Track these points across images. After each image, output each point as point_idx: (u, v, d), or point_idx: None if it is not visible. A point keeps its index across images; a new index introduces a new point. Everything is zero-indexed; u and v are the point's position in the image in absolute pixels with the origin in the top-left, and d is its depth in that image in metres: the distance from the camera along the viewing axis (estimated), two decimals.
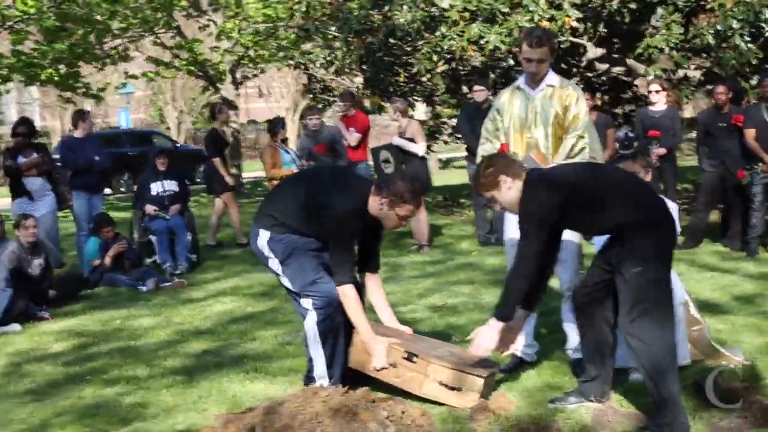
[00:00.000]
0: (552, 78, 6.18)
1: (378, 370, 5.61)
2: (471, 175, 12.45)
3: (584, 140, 6.03)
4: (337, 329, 5.69)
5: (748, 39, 12.21)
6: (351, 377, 5.67)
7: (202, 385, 6.15)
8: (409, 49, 14.81)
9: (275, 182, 11.81)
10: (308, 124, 13.06)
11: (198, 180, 26.46)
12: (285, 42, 21.68)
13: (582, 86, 13.29)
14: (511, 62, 15.18)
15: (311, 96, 17.44)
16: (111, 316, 8.75)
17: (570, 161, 6.02)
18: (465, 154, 13.48)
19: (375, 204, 5.60)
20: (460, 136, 19.29)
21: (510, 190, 5.19)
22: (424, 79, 15.64)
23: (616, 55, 15.42)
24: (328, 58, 16.21)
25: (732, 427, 5.00)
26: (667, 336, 4.91)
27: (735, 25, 12.00)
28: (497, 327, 5.30)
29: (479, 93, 12.49)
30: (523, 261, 5.12)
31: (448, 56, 14.03)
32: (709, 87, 16.50)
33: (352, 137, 12.84)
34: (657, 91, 11.50)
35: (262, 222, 5.78)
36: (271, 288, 9.77)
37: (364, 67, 16.17)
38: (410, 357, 5.55)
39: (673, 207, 6.06)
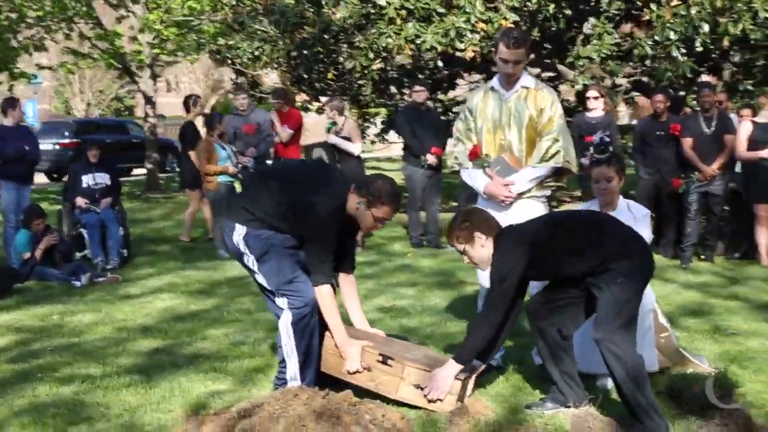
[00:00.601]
0: (527, 80, 6.13)
1: (351, 374, 5.48)
2: (406, 175, 12.43)
3: (559, 144, 5.99)
4: (312, 330, 5.50)
5: (684, 51, 12.43)
6: (323, 381, 5.50)
7: (163, 385, 5.92)
8: (344, 46, 14.65)
9: (210, 179, 11.58)
10: (236, 105, 12.93)
11: (168, 169, 28.01)
12: (205, 35, 21.30)
13: None
14: (440, 63, 15.24)
15: (237, 92, 17.10)
16: (48, 312, 8.41)
17: (544, 164, 5.98)
18: (387, 155, 13.34)
19: (352, 203, 5.44)
20: (386, 137, 19.44)
21: (483, 248, 5.28)
22: (357, 76, 15.52)
23: (547, 60, 15.55)
24: (256, 53, 15.93)
25: None
26: (635, 345, 5.06)
27: (672, 36, 12.19)
28: (455, 369, 5.28)
29: (419, 93, 12.45)
30: (492, 311, 5.24)
31: (384, 54, 13.96)
32: (636, 95, 16.89)
33: (284, 133, 12.69)
34: (595, 98, 11.54)
35: (236, 216, 5.56)
36: (210, 286, 9.59)
37: (293, 63, 15.98)
38: (385, 360, 5.42)
39: (645, 212, 6.07)
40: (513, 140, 6.06)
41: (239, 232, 5.50)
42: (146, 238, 13.57)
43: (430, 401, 5.30)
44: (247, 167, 11.88)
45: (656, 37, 12.40)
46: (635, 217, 5.93)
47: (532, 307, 5.43)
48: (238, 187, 11.79)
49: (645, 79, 14.68)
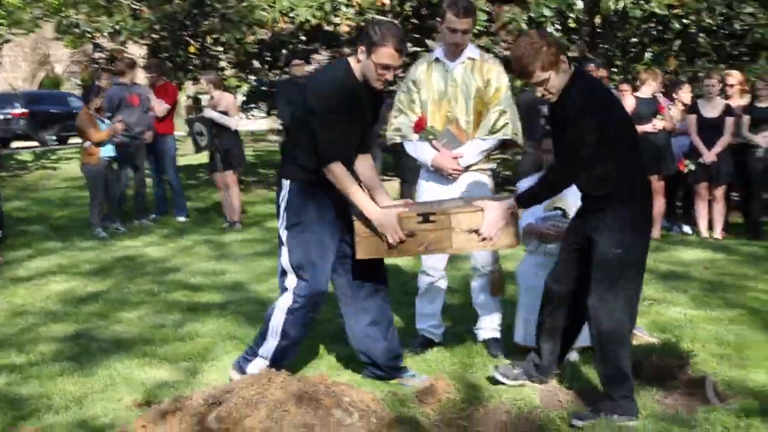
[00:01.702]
0: (472, 51, 5.99)
1: (398, 246, 4.96)
2: (281, 149, 12.18)
3: (507, 116, 5.89)
4: (305, 326, 5.21)
5: (559, 27, 12.60)
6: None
7: (100, 373, 5.58)
8: (215, 19, 14.22)
9: (92, 151, 11.01)
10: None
11: None
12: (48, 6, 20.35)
13: None
14: (302, 38, 15.02)
15: (95, 66, 16.41)
16: None
17: (492, 137, 5.87)
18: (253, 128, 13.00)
19: (355, 62, 4.99)
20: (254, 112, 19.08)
21: (564, 73, 4.71)
22: (219, 49, 15.14)
23: (417, 35, 15.52)
24: (116, 27, 15.26)
25: (678, 404, 5.03)
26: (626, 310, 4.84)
27: (547, 12, 12.32)
28: (510, 206, 4.87)
29: (298, 67, 12.22)
30: (571, 170, 4.77)
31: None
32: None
33: (160, 107, 12.23)
34: None
35: (284, 169, 5.21)
36: (101, 267, 9.20)
37: (155, 36, 15.42)
38: (426, 218, 4.94)
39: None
40: (459, 112, 5.92)
41: (284, 190, 5.12)
42: (13, 217, 12.80)
43: (487, 240, 4.89)
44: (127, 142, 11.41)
45: (531, 14, 12.50)
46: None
47: (551, 290, 5.18)
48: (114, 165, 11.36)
49: None
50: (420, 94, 6.01)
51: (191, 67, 16.10)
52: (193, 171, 17.22)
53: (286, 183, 5.11)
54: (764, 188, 11.22)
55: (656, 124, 10.77)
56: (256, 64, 16.62)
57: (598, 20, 12.85)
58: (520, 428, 4.75)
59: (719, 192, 11.03)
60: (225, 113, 11.68)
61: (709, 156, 10.81)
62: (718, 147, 10.85)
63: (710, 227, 11.09)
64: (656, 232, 10.79)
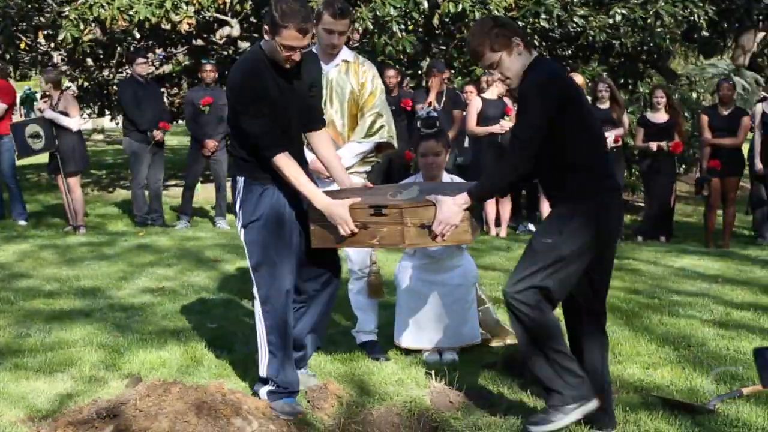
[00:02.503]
0: (347, 53, 6.01)
1: (349, 238, 4.78)
2: (131, 152, 11.92)
3: (383, 118, 5.94)
4: (281, 330, 4.94)
5: (403, 28, 12.76)
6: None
7: None
8: (51, 15, 13.73)
9: None
10: None
11: None
12: None
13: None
14: (137, 35, 14.73)
15: None
16: None
17: (368, 139, 5.91)
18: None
19: (267, 44, 4.72)
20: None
21: (520, 56, 4.47)
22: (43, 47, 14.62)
23: (256, 35, 15.44)
24: None
25: None
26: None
27: (393, 12, 12.45)
28: (465, 202, 4.58)
29: (142, 66, 11.96)
30: (523, 155, 4.41)
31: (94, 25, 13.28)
32: None
33: None
34: None
35: (234, 166, 5.03)
36: None
37: None
38: (378, 210, 4.75)
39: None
40: (335, 115, 5.93)
41: (238, 186, 4.92)
42: None
43: (439, 236, 4.63)
44: None
45: (378, 12, 12.61)
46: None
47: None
48: None
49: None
50: None
51: (21, 64, 15.53)
52: (29, 173, 16.65)
53: (239, 179, 4.94)
54: None
55: (504, 125, 11.05)
56: (89, 62, 16.14)
57: (436, 21, 13.05)
58: (415, 430, 4.82)
59: None
60: (65, 113, 11.34)
61: None
62: None
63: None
64: (503, 232, 11.10)
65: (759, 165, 10.89)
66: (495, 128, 11.01)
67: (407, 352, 6.03)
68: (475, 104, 11.27)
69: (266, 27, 4.63)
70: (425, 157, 5.93)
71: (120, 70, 17.07)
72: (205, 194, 12.99)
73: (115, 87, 16.49)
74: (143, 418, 4.36)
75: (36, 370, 5.68)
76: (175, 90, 17.53)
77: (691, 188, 13.77)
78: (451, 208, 4.56)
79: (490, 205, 11.31)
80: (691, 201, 15.68)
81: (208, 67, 12.16)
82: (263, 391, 4.97)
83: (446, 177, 6.06)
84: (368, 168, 6.16)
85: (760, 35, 20.60)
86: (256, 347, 5.06)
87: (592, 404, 4.46)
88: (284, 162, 4.71)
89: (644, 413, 4.94)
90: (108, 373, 5.64)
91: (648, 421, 4.83)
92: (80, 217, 11.54)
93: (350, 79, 5.92)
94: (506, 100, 11.63)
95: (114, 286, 8.15)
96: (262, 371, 4.98)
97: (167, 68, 16.80)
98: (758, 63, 23.81)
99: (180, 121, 17.71)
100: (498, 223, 11.52)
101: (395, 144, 6.12)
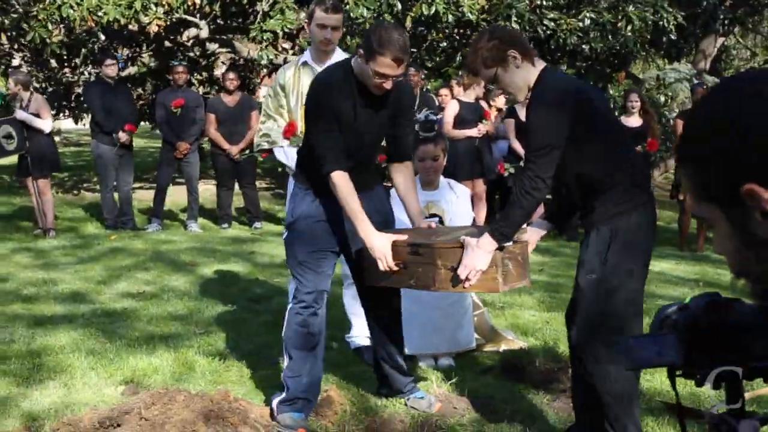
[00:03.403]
0: (340, 55, 5.94)
1: (391, 275, 4.53)
2: (97, 154, 11.74)
3: None
4: (311, 335, 4.81)
5: None
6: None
7: None
8: (15, 15, 13.49)
9: None
10: None
11: None
12: None
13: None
14: (102, 37, 14.55)
15: None
16: None
17: None
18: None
19: (359, 62, 4.54)
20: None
21: (518, 69, 4.14)
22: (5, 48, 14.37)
23: (224, 37, 15.34)
24: None
25: (568, 406, 5.15)
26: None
27: (366, 13, 12.42)
28: (491, 244, 4.14)
29: (111, 67, 11.79)
30: (538, 180, 4.05)
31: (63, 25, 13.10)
32: None
33: None
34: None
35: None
36: None
37: None
38: (415, 249, 4.46)
39: (466, 191, 6.14)
40: None
41: (289, 187, 4.95)
42: None
43: (466, 281, 4.22)
44: None
45: (351, 14, 12.54)
46: (457, 195, 5.98)
47: None
48: None
49: None
50: (288, 99, 5.92)
51: None
52: None
53: (291, 181, 4.90)
54: None
55: (481, 129, 11.03)
56: (53, 63, 15.90)
57: (408, 23, 13.00)
58: None
59: (480, 189, 11.40)
60: (36, 115, 11.16)
61: None
62: None
63: None
64: None
65: None
66: (472, 132, 10.99)
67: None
68: (451, 107, 11.24)
69: (361, 51, 4.46)
70: (423, 161, 5.87)
71: (83, 71, 16.82)
72: (173, 197, 12.81)
73: (77, 89, 16.25)
74: (149, 427, 4.27)
75: (25, 377, 5.55)
76: (140, 92, 17.30)
77: (662, 192, 13.86)
78: (476, 252, 4.16)
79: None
80: (659, 205, 15.75)
81: (180, 68, 12.02)
82: (276, 400, 4.84)
83: (443, 181, 6.02)
84: None
85: (720, 40, 20.81)
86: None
87: None
88: (340, 180, 4.51)
89: (650, 419, 4.92)
90: (100, 380, 5.52)
91: (656, 427, 4.82)
92: (50, 220, 11.34)
93: None
94: (482, 103, 11.63)
95: (93, 291, 8.01)
96: (284, 375, 4.89)
97: (132, 70, 16.58)
98: (717, 68, 24.07)
99: (144, 123, 17.49)
100: None
101: None
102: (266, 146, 6.02)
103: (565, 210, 4.53)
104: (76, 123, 18.67)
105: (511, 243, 4.27)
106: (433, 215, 5.97)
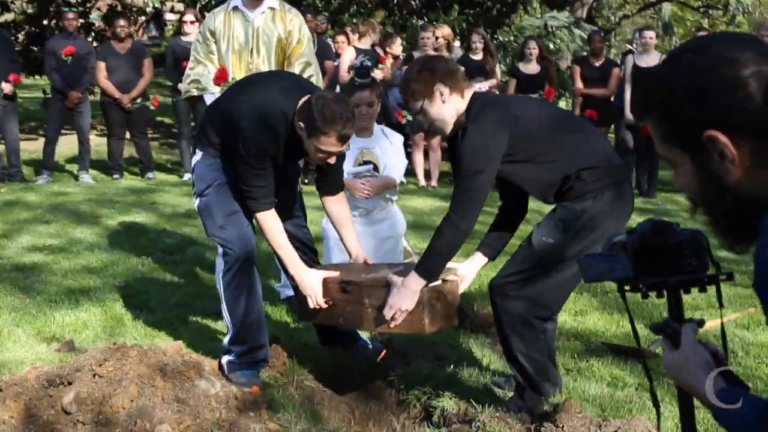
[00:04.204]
0: (272, 0, 5.81)
1: (321, 311, 4.43)
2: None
3: (312, 68, 5.80)
4: (248, 288, 4.61)
5: None
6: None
7: None
8: None
9: None
10: None
11: None
12: None
13: None
14: None
15: None
16: None
17: None
18: None
19: (297, 126, 4.27)
20: None
21: (444, 104, 4.07)
22: None
23: None
24: None
25: None
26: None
27: None
28: (418, 282, 4.01)
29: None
30: (467, 209, 3.98)
31: None
32: None
33: None
34: (192, 22, 11.33)
35: (198, 139, 4.72)
36: None
37: None
38: (344, 287, 4.32)
39: (400, 138, 6.07)
40: (261, 63, 5.75)
41: (196, 157, 4.62)
42: None
43: (392, 320, 4.08)
44: None
45: None
46: (391, 142, 5.91)
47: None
48: None
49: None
50: (219, 44, 5.76)
51: None
52: None
53: (198, 153, 4.64)
54: None
55: (377, 74, 10.95)
56: None
57: None
58: None
59: (435, 141, 11.44)
60: None
61: None
62: None
63: (426, 176, 11.49)
64: (434, 182, 11.15)
65: (630, 115, 11.15)
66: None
67: None
68: (348, 54, 11.14)
69: (301, 124, 4.20)
70: (358, 107, 5.76)
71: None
72: (59, 148, 12.33)
73: None
74: (106, 384, 4.11)
75: None
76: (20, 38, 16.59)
77: None
78: (401, 291, 4.02)
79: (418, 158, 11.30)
80: None
81: (70, 15, 11.57)
82: (224, 359, 4.72)
83: (377, 128, 5.94)
84: None
85: None
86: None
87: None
88: (269, 221, 4.46)
89: (595, 359, 5.01)
90: (29, 338, 5.35)
91: (602, 368, 4.90)
92: None
93: (277, 27, 5.74)
94: (378, 50, 11.55)
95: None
96: (226, 341, 4.74)
97: (9, 16, 15.87)
98: (592, 16, 24.49)
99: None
100: (428, 176, 11.53)
101: None
102: (195, 93, 5.86)
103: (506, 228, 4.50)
104: None
105: (440, 281, 4.15)
106: (367, 162, 5.90)
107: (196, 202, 4.69)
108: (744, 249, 1.73)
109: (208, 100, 5.79)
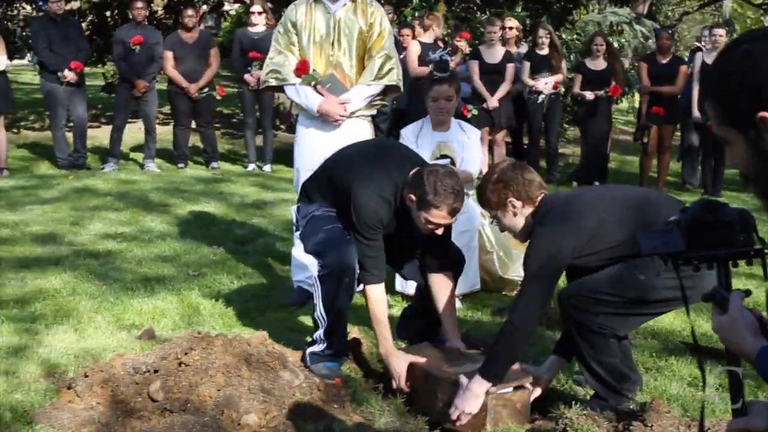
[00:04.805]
0: None
1: (408, 394, 4.43)
2: (45, 92, 11.30)
3: (392, 61, 5.77)
4: (345, 288, 4.58)
5: None
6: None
7: None
8: None
9: None
10: None
11: None
12: None
13: None
14: None
15: None
16: None
17: (378, 82, 5.72)
18: None
19: (407, 198, 4.40)
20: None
21: (516, 216, 4.16)
22: None
23: None
24: None
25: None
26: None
27: None
28: (483, 386, 4.04)
29: (56, 4, 11.29)
30: (530, 308, 4.02)
31: None
32: None
33: None
34: (259, 13, 11.33)
35: (301, 197, 4.97)
36: None
37: None
38: (426, 376, 4.37)
39: (478, 133, 6.06)
40: (342, 56, 5.74)
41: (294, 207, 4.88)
42: None
43: (457, 420, 4.09)
44: None
45: None
46: (468, 136, 5.90)
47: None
48: None
49: None
50: (301, 36, 5.76)
51: None
52: None
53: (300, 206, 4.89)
54: (542, 134, 11.82)
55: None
56: None
57: None
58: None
59: (500, 136, 11.40)
60: None
61: (492, 101, 11.11)
62: (500, 92, 11.17)
63: None
64: None
65: (697, 113, 11.02)
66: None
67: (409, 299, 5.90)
68: (413, 48, 11.12)
69: (412, 197, 4.31)
70: (436, 101, 5.79)
71: (17, 7, 16.26)
72: (124, 136, 12.41)
73: (10, 24, 15.72)
74: (192, 372, 4.14)
75: (31, 321, 5.37)
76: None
77: (624, 136, 13.93)
78: (466, 394, 4.06)
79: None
80: (618, 149, 15.79)
81: (139, 4, 11.60)
82: (308, 351, 4.72)
83: (454, 122, 5.94)
84: (374, 112, 6.01)
85: None
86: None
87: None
88: (375, 294, 4.54)
89: (674, 359, 4.95)
90: (109, 325, 5.37)
91: (681, 367, 4.85)
92: (3, 159, 10.98)
93: (358, 19, 5.73)
94: (440, 44, 11.52)
95: (69, 232, 7.78)
96: (316, 336, 4.71)
97: (75, 4, 16.01)
98: (653, 12, 24.22)
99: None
100: None
101: (402, 87, 5.96)
102: (274, 83, 5.85)
103: None
104: (11, 60, 18.05)
105: (511, 389, 4.18)
106: (445, 156, 5.90)
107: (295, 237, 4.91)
108: None
109: (289, 91, 5.80)
